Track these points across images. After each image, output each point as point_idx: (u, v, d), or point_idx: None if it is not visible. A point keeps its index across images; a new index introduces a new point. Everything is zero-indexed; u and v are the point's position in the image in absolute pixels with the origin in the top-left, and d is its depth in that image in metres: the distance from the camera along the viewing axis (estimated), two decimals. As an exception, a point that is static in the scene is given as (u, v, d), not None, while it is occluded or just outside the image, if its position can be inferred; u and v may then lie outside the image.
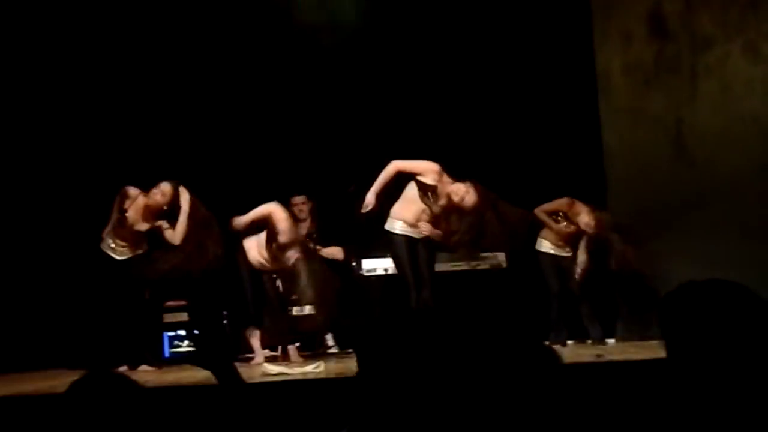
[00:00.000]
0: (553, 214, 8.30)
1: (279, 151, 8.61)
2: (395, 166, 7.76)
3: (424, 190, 7.75)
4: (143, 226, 7.85)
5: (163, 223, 7.87)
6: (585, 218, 8.10)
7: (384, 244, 8.12)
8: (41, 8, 8.88)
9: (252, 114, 9.31)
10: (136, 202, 7.83)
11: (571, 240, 8.26)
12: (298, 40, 8.89)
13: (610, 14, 8.54)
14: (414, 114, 8.81)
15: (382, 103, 9.09)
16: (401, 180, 7.83)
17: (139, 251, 7.90)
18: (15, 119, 9.02)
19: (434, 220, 7.73)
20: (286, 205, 8.20)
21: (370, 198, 7.73)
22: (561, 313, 8.21)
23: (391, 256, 8.07)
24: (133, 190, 7.86)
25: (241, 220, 7.94)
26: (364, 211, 7.75)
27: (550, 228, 8.27)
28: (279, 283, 7.97)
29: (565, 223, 8.26)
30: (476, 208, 7.55)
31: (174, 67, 9.10)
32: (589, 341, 8.14)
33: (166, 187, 7.85)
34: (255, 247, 7.93)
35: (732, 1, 8.31)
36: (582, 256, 8.19)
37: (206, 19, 8.70)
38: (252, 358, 7.89)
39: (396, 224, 7.84)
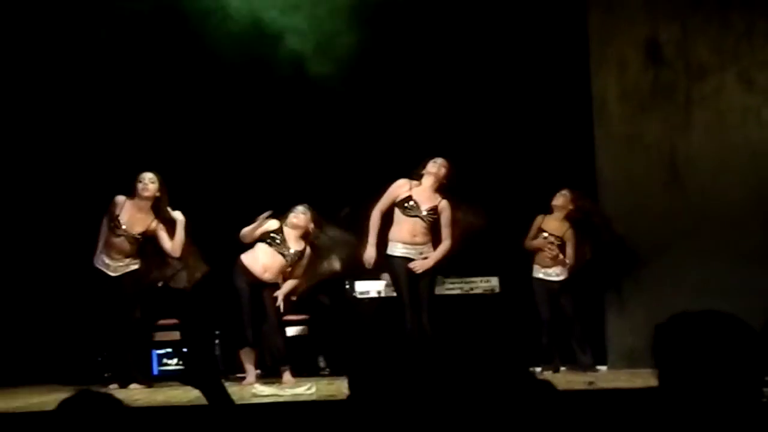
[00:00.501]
0: (537, 235, 8.36)
1: (276, 170, 8.57)
2: (375, 210, 7.93)
3: (404, 204, 7.87)
4: (138, 228, 7.78)
5: (158, 226, 7.82)
6: (559, 201, 8.33)
7: (380, 268, 8.19)
8: (35, 12, 8.87)
9: (250, 133, 9.30)
10: (125, 206, 7.79)
11: (562, 248, 8.30)
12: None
13: (606, 41, 8.56)
14: (412, 137, 8.81)
15: (378, 124, 9.09)
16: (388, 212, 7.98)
17: (134, 266, 7.84)
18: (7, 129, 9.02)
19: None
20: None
21: (370, 253, 7.87)
22: (552, 340, 8.20)
23: (390, 278, 8.07)
24: (119, 197, 7.81)
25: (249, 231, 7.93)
26: (369, 267, 7.97)
27: (542, 248, 8.30)
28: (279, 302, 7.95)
29: (546, 234, 8.31)
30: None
31: (172, 78, 9.09)
32: (579, 368, 8.11)
33: (148, 175, 7.80)
34: (257, 261, 7.92)
35: (728, 30, 8.35)
36: (570, 251, 8.28)
37: (202, 33, 8.69)
38: (244, 378, 7.87)
39: (396, 247, 7.90)
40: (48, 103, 9.12)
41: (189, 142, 9.17)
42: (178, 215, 7.84)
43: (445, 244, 7.91)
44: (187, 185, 8.54)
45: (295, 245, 8.01)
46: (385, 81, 9.03)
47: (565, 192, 8.41)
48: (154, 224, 7.84)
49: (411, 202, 7.88)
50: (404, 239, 7.87)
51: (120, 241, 7.78)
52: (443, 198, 7.92)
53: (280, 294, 8.00)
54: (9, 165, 9.11)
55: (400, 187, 7.92)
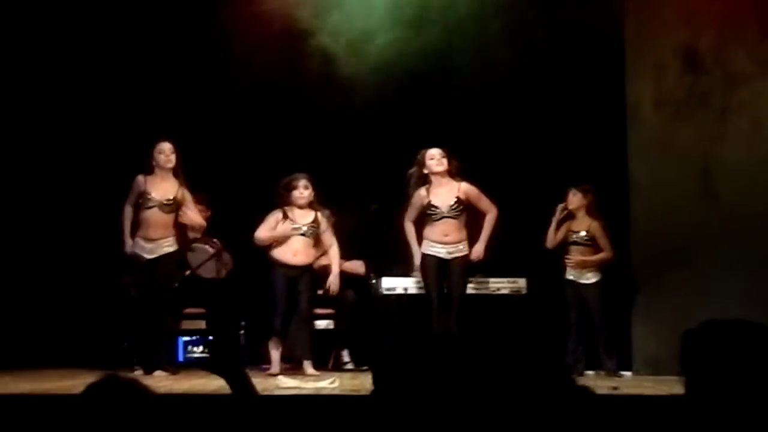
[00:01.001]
0: (560, 225, 8.41)
1: (304, 167, 8.59)
2: (406, 222, 8.05)
3: (428, 212, 7.96)
4: (169, 195, 7.83)
5: (184, 193, 7.91)
6: (574, 202, 8.37)
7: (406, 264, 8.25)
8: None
9: (275, 127, 9.32)
10: (149, 181, 7.84)
11: (593, 247, 8.33)
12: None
13: (642, 46, 8.51)
14: (443, 138, 8.78)
15: (409, 122, 9.09)
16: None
17: (170, 247, 7.86)
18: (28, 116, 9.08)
19: None
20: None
21: (417, 262, 8.01)
22: (579, 343, 8.18)
23: (421, 276, 8.10)
24: (139, 177, 7.86)
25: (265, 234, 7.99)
26: (417, 273, 8.11)
27: (567, 242, 8.33)
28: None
29: (576, 237, 8.35)
30: None
31: (197, 78, 9.15)
32: (603, 372, 8.08)
33: (167, 145, 7.87)
34: (286, 249, 7.98)
35: (766, 37, 8.27)
36: (603, 242, 8.31)
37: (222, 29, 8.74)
38: (268, 369, 7.88)
39: (428, 245, 7.98)
40: (62, 85, 9.20)
41: (215, 139, 9.20)
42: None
43: (492, 213, 8.02)
44: (214, 183, 8.60)
45: (305, 219, 8.05)
46: (416, 82, 9.03)
47: (573, 191, 8.38)
48: (180, 191, 7.90)
49: (433, 208, 7.94)
50: (436, 239, 7.95)
51: (153, 214, 7.81)
52: (459, 184, 7.97)
53: (333, 277, 8.16)
54: (38, 151, 9.18)
55: (421, 198, 7.97)
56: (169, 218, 7.89)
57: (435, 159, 7.97)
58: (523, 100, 9.19)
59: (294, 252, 7.99)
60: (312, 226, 8.07)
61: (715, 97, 8.33)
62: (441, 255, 7.92)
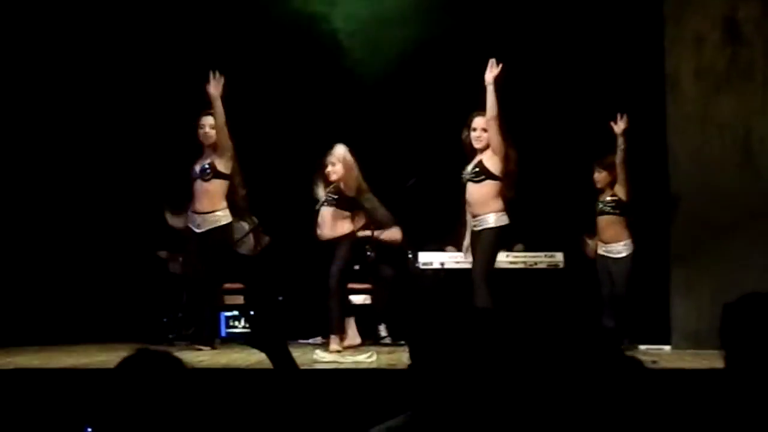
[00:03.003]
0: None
1: (345, 142, 8.57)
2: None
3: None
4: (206, 161, 7.83)
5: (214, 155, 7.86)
6: (600, 178, 8.25)
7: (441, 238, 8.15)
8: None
9: (312, 102, 9.31)
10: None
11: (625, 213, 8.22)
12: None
13: (682, 17, 8.41)
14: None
15: (445, 100, 9.04)
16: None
17: (222, 219, 7.85)
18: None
19: None
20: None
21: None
22: (613, 318, 8.06)
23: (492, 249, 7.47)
24: None
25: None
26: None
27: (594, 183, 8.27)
28: None
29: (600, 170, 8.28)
30: None
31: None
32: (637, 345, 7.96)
33: (209, 120, 7.82)
34: (317, 226, 7.92)
35: (808, 7, 8.17)
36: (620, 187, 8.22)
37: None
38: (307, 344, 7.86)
39: (490, 218, 7.35)
40: (81, 72, 9.23)
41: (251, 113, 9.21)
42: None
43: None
44: (250, 159, 8.61)
45: (322, 190, 7.95)
46: (448, 60, 8.96)
47: (598, 169, 8.28)
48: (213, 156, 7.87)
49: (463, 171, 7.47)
50: (495, 209, 7.32)
51: (197, 186, 7.84)
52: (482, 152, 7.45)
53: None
54: (80, 130, 9.25)
55: None
56: (215, 189, 7.87)
57: (476, 131, 7.43)
58: (563, 73, 9.11)
59: (320, 226, 7.94)
60: (330, 194, 7.93)
61: (756, 68, 8.23)
62: (472, 228, 7.50)
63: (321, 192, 7.97)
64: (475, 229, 7.39)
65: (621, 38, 8.93)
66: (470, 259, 7.47)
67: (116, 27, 9.15)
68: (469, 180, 7.37)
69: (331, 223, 7.89)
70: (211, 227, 7.82)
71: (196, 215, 7.84)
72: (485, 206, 7.33)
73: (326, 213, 7.92)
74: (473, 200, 7.37)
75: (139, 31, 9.20)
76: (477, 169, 7.34)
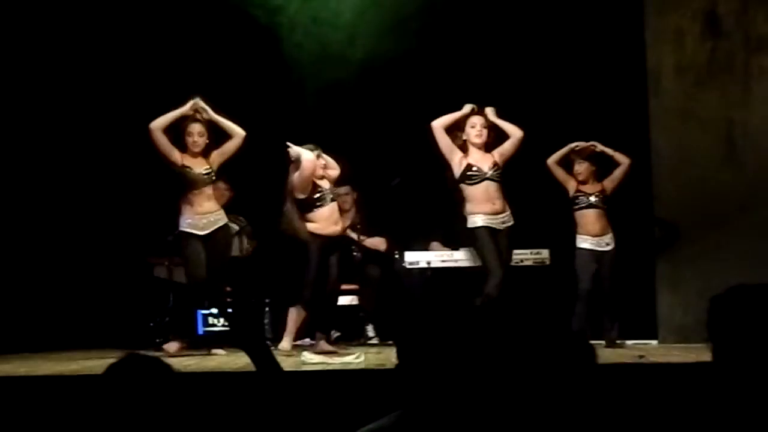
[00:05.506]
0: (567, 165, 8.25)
1: (324, 143, 8.56)
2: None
3: (467, 174, 7.66)
4: (204, 158, 7.71)
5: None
6: (581, 170, 8.16)
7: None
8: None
9: (296, 107, 9.29)
10: (188, 150, 7.70)
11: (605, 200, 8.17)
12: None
13: (663, 12, 8.44)
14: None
15: (426, 95, 9.04)
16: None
17: (222, 219, 7.79)
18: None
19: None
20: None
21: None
22: (587, 313, 8.00)
23: (476, 249, 7.77)
24: (175, 154, 7.70)
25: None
26: None
27: (575, 176, 8.20)
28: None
29: (580, 161, 8.21)
30: None
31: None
32: (603, 342, 7.90)
33: (197, 128, 7.67)
34: (324, 218, 7.75)
35: (788, -1, 8.20)
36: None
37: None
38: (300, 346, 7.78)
39: (477, 218, 7.62)
40: (81, 63, 9.19)
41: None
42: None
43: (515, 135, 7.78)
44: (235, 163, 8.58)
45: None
46: (442, 55, 8.97)
47: (579, 160, 8.22)
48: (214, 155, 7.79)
49: (474, 168, 7.66)
50: (484, 210, 7.62)
51: (198, 185, 7.66)
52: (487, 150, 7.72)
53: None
54: (68, 133, 9.21)
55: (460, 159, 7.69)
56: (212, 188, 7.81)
57: (476, 128, 7.70)
58: (543, 69, 9.11)
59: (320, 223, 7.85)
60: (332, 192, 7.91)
61: (737, 62, 8.26)
62: (494, 225, 7.69)
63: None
64: (503, 225, 7.68)
65: (602, 34, 8.94)
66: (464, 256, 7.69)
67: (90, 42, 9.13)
68: (490, 179, 7.64)
69: (330, 220, 7.78)
70: (216, 227, 7.75)
71: (195, 220, 7.73)
72: (506, 204, 7.70)
73: (320, 211, 7.76)
74: (498, 197, 7.68)
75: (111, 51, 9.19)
76: (498, 169, 7.67)
